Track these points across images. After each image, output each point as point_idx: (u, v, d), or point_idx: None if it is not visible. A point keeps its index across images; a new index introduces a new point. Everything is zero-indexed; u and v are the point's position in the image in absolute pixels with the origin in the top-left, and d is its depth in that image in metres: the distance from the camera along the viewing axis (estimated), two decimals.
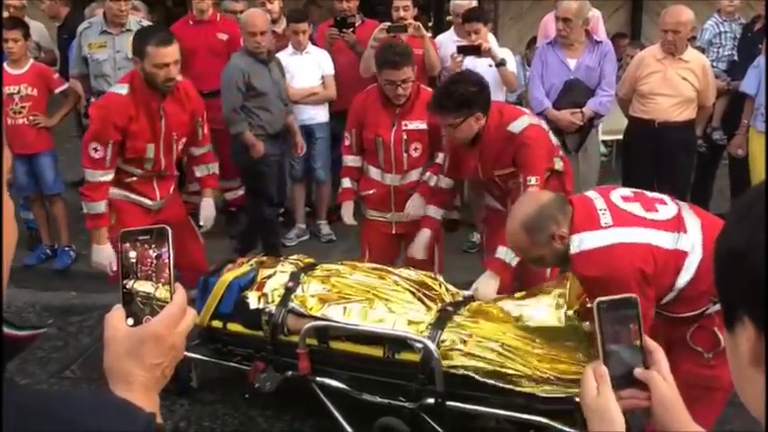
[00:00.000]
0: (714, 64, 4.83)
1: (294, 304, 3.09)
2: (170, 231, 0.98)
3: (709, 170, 5.18)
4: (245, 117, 4.53)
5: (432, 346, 2.77)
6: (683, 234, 2.25)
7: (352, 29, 5.01)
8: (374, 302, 3.00)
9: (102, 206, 3.40)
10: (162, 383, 0.93)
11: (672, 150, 4.43)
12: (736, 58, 4.94)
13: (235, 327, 3.27)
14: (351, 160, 3.81)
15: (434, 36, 5.42)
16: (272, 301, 3.16)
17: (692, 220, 2.30)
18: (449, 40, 4.97)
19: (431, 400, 2.83)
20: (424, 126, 3.60)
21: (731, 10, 5.09)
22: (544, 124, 3.47)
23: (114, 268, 3.22)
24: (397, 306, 2.99)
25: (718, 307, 2.27)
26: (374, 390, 3.01)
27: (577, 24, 4.34)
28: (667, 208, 2.34)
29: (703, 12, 5.42)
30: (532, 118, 3.38)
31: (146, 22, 4.87)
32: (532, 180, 3.18)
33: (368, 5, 5.85)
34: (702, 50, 4.89)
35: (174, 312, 0.93)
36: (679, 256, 2.24)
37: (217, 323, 3.31)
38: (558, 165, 3.41)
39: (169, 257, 0.96)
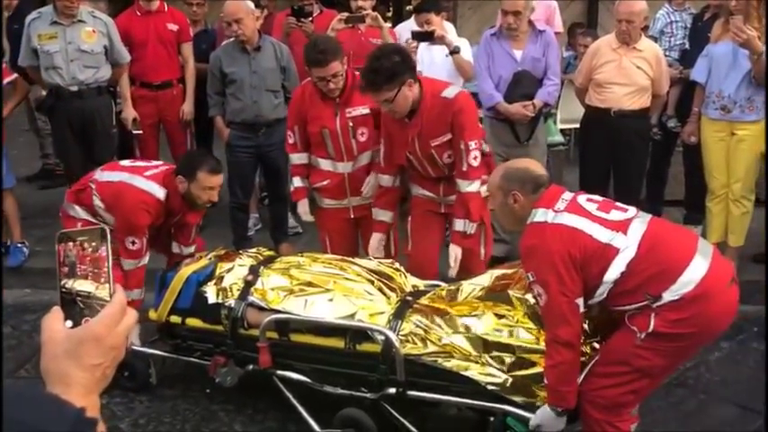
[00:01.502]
0: (666, 53, 4.91)
1: (254, 298, 3.07)
2: (108, 231, 0.96)
3: (665, 157, 5.28)
4: (218, 102, 4.53)
5: (392, 335, 2.78)
6: (620, 234, 2.44)
7: (310, 18, 4.97)
8: (334, 294, 3.00)
9: (136, 293, 3.46)
10: (102, 384, 0.91)
11: (627, 138, 4.51)
12: (687, 46, 5.04)
13: (194, 322, 3.24)
14: (297, 158, 3.79)
15: (394, 26, 5.41)
16: (232, 295, 3.14)
17: (638, 227, 2.48)
18: (408, 30, 4.96)
19: (392, 390, 2.84)
20: (367, 111, 3.60)
21: (682, 1, 5.19)
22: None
23: None
24: (357, 297, 2.99)
25: (658, 303, 2.39)
26: (336, 381, 3.01)
27: (526, 16, 4.38)
28: (622, 214, 2.53)
29: (656, 2, 5.51)
30: (460, 87, 3.49)
31: (98, 14, 4.75)
32: (472, 144, 3.25)
33: None
34: (655, 40, 4.97)
35: (113, 312, 0.92)
36: (610, 251, 2.42)
37: (175, 318, 3.28)
38: (485, 146, 3.50)
39: (108, 257, 0.94)
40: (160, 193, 3.41)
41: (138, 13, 5.10)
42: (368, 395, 2.91)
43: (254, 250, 3.54)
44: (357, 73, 3.56)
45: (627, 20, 4.36)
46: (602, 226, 2.45)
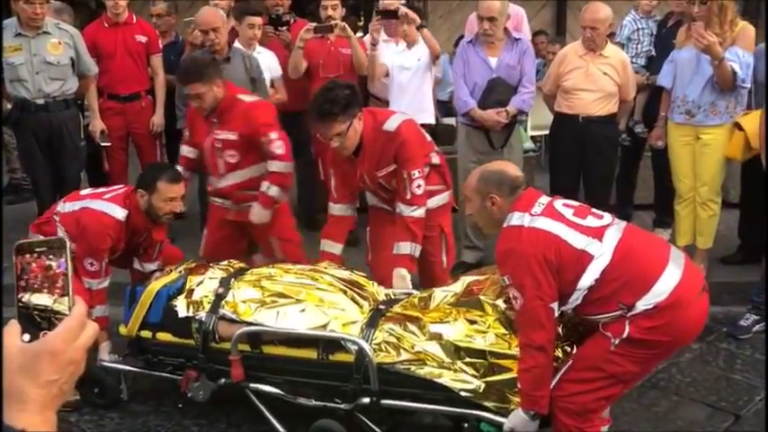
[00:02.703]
0: (633, 60, 4.99)
1: (225, 311, 3.04)
2: (68, 243, 0.94)
3: (634, 162, 5.35)
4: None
5: (365, 345, 2.77)
6: (596, 241, 2.46)
7: (287, 27, 4.97)
8: (306, 305, 2.98)
9: (99, 310, 3.42)
10: (60, 401, 0.87)
11: (596, 144, 4.56)
12: (653, 53, 5.12)
13: (164, 336, 3.21)
14: (186, 150, 3.91)
15: (365, 35, 5.43)
16: (203, 309, 3.11)
17: (613, 235, 2.49)
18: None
19: (366, 400, 2.83)
20: (234, 137, 3.63)
21: (649, 8, 5.28)
22: (416, 121, 3.54)
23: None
24: (329, 307, 2.98)
25: (631, 313, 2.42)
26: (309, 393, 2.99)
27: (501, 22, 4.42)
28: (597, 221, 2.54)
29: (623, 9, 5.60)
30: (404, 115, 3.49)
31: (64, 25, 4.69)
32: (415, 173, 3.28)
33: (298, 5, 5.80)
34: (622, 47, 5.05)
35: (71, 326, 0.89)
36: (585, 258, 2.43)
37: (146, 333, 3.24)
38: (435, 159, 3.51)
39: (67, 269, 0.92)
40: (120, 213, 3.40)
41: (106, 25, 5.05)
42: (342, 406, 2.89)
43: (225, 262, 3.50)
44: (239, 98, 3.68)
45: (591, 26, 4.42)
46: (578, 232, 2.46)
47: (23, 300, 0.90)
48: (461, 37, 5.46)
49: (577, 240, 2.45)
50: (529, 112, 5.26)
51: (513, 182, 2.61)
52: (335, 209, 3.53)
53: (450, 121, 5.57)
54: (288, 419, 3.03)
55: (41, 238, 3.38)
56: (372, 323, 2.87)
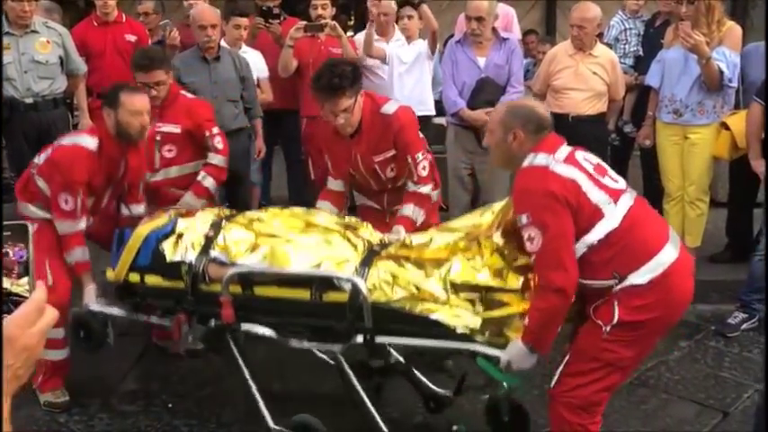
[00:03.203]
0: (621, 60, 5.01)
1: (215, 252, 2.95)
2: (30, 227, 0.95)
3: (623, 161, 5.38)
4: None
5: (360, 282, 2.68)
6: (612, 202, 2.42)
7: (278, 20, 4.97)
8: (299, 245, 2.89)
9: (80, 253, 3.28)
10: (14, 386, 0.87)
11: (585, 143, 4.46)
12: (641, 53, 5.15)
13: (153, 279, 3.11)
14: None
15: (355, 34, 5.43)
16: (193, 251, 3.01)
17: (627, 201, 2.47)
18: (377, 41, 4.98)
19: (360, 338, 2.73)
20: (177, 130, 3.64)
21: (636, 8, 5.31)
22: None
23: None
24: (322, 247, 2.88)
25: (621, 286, 2.38)
26: (301, 336, 2.89)
27: (489, 22, 4.44)
28: (614, 183, 2.50)
29: (612, 9, 5.62)
30: (400, 102, 3.52)
31: (53, 24, 4.67)
32: (419, 156, 3.27)
33: (288, 4, 5.80)
34: (610, 47, 5.07)
35: (27, 312, 0.89)
36: (597, 215, 2.39)
37: (134, 276, 3.14)
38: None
39: (28, 254, 0.93)
40: (91, 142, 3.29)
41: (96, 24, 5.03)
42: (334, 348, 2.81)
43: (216, 209, 3.42)
44: (182, 93, 3.68)
45: (579, 26, 4.44)
46: (597, 187, 2.42)
47: None
48: (450, 36, 5.47)
49: (595, 195, 2.40)
50: None
51: (541, 121, 2.53)
52: (333, 183, 3.46)
53: (441, 120, 5.58)
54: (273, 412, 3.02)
55: (32, 208, 3.37)
56: (367, 262, 2.78)
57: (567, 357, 2.53)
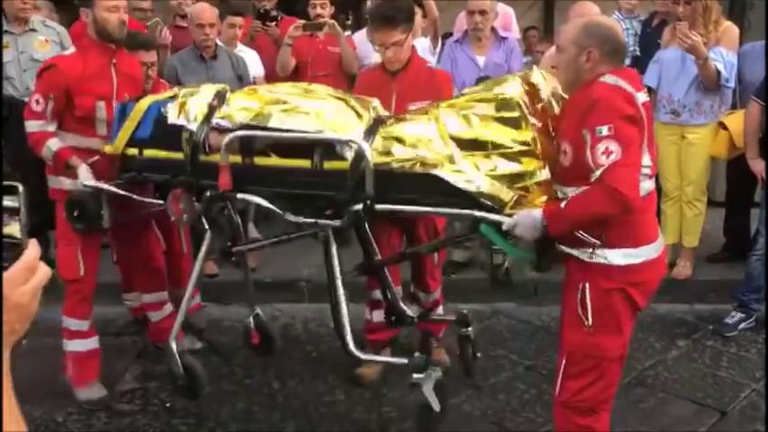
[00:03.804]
0: None
1: (218, 119, 2.88)
2: (20, 188, 1.01)
3: None
4: None
5: (364, 144, 2.59)
6: (647, 176, 2.34)
7: (275, 22, 4.97)
8: (303, 110, 2.79)
9: (54, 142, 3.23)
10: (11, 340, 0.92)
11: None
12: (638, 53, 5.15)
13: (152, 152, 3.04)
14: None
15: (353, 33, 5.42)
16: (195, 119, 2.93)
17: (652, 183, 2.42)
18: (366, 38, 4.98)
19: (359, 206, 2.62)
20: None
21: (629, 7, 5.31)
22: None
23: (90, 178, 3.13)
24: (328, 114, 2.77)
25: (597, 258, 2.30)
26: (298, 210, 2.82)
27: (491, 17, 4.46)
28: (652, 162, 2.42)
29: (609, 9, 5.62)
30: None
31: (50, 22, 4.67)
32: None
33: (286, 4, 5.80)
34: None
35: (18, 271, 0.93)
36: (638, 167, 2.28)
37: (132, 150, 3.08)
38: None
39: (20, 212, 0.99)
40: (67, 51, 3.41)
41: None
42: (332, 222, 2.72)
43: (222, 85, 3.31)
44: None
45: None
46: (648, 149, 2.34)
47: None
48: (447, 34, 5.47)
49: (645, 157, 2.32)
50: None
51: (617, 44, 2.36)
52: None
53: None
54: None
55: (61, 179, 3.33)
56: (372, 130, 2.69)
57: (562, 361, 2.46)
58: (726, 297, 4.36)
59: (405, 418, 3.26)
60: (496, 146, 2.48)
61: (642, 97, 2.33)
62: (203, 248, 3.08)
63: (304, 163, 2.74)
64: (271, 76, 4.89)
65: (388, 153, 2.60)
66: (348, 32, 5.55)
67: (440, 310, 3.70)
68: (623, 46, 2.41)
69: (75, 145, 3.27)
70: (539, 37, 6.71)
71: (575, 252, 2.35)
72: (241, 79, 4.52)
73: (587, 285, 2.34)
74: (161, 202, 3.06)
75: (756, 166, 4.10)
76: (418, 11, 4.87)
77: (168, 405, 3.37)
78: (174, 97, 3.09)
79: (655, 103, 4.58)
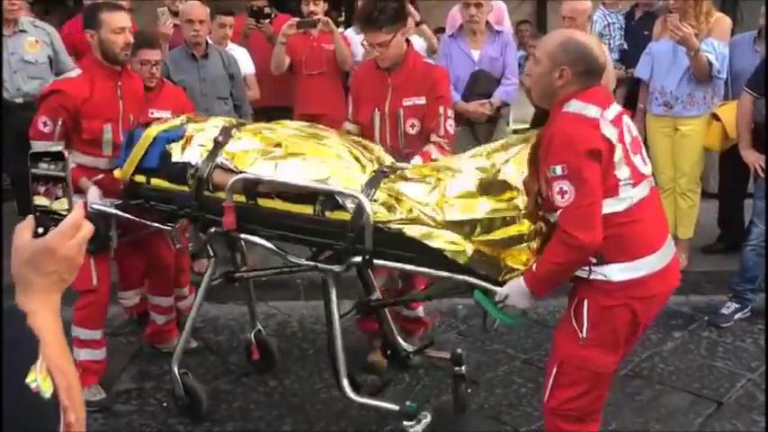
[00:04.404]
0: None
1: (222, 158, 2.91)
2: (67, 153, 1.11)
3: None
4: None
5: (365, 200, 2.60)
6: (630, 185, 2.24)
7: (269, 20, 4.96)
8: (307, 157, 2.81)
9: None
10: (61, 286, 1.06)
11: None
12: (626, 47, 5.13)
13: (159, 182, 3.08)
14: None
15: (344, 30, 5.41)
16: (200, 156, 2.97)
17: (644, 189, 2.31)
18: (357, 35, 4.97)
19: (358, 258, 2.66)
20: (168, 115, 3.59)
21: (612, 1, 5.31)
22: None
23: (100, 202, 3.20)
24: (331, 162, 2.79)
25: (595, 275, 2.25)
26: (301, 252, 2.88)
27: (486, 9, 4.44)
28: (642, 166, 2.33)
29: (594, 4, 5.62)
30: None
31: (40, 23, 4.66)
32: (450, 112, 3.34)
33: (279, 1, 5.78)
34: None
35: (66, 227, 1.07)
36: (613, 190, 2.22)
37: (140, 178, 3.12)
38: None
39: (67, 177, 1.10)
40: (73, 73, 3.39)
41: None
42: (334, 267, 2.76)
43: (227, 117, 3.41)
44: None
45: (570, 17, 4.44)
46: (626, 163, 2.25)
47: (35, 202, 1.09)
48: (439, 29, 5.46)
49: (621, 171, 2.23)
50: (511, 106, 5.28)
51: (592, 64, 2.28)
52: (349, 126, 3.48)
53: None
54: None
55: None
56: (374, 183, 2.70)
57: (553, 369, 2.39)
58: (721, 288, 4.38)
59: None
60: (490, 218, 2.43)
61: (611, 113, 2.25)
62: (207, 274, 3.15)
63: (307, 209, 2.77)
64: (265, 75, 4.88)
65: (390, 208, 2.60)
66: (341, 29, 5.55)
67: (419, 311, 3.71)
68: (599, 66, 2.31)
69: (82, 163, 3.31)
70: (531, 31, 6.71)
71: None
72: (232, 77, 4.51)
73: (586, 302, 2.30)
74: (168, 228, 3.11)
75: (749, 156, 4.11)
76: (414, 16, 4.82)
77: (165, 405, 3.36)
78: (181, 127, 3.13)
79: (647, 96, 4.60)
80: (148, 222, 3.20)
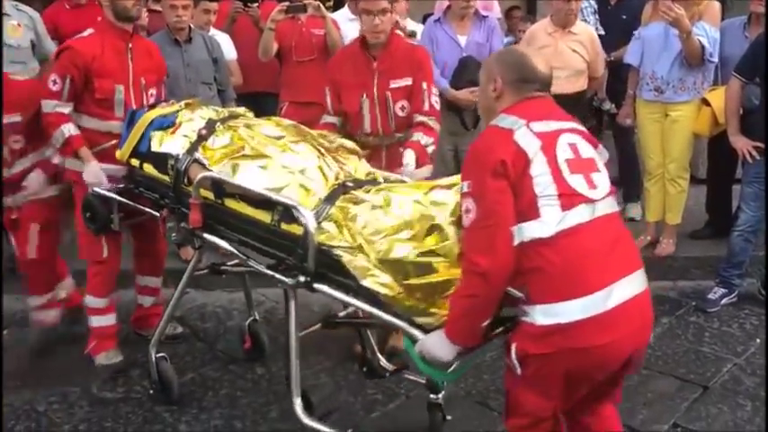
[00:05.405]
0: None
1: (199, 154, 2.90)
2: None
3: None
4: None
5: (310, 220, 2.45)
6: (557, 206, 1.94)
7: (256, 3, 4.90)
8: (269, 162, 2.72)
9: (69, 128, 3.33)
10: None
11: None
12: (602, 32, 5.06)
13: (148, 168, 3.12)
14: None
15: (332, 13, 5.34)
16: (182, 147, 2.97)
17: (585, 213, 1.97)
18: (344, 18, 4.92)
19: (302, 279, 2.53)
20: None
21: None
22: None
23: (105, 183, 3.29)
24: (293, 170, 2.69)
25: (524, 316, 1.98)
26: (261, 259, 2.81)
27: None
28: (585, 188, 1.99)
29: None
30: None
31: (23, 7, 4.56)
32: (434, 89, 3.40)
33: None
34: None
35: None
36: (532, 210, 1.94)
37: (135, 161, 3.18)
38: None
39: None
40: (85, 32, 3.42)
41: (68, 6, 4.91)
42: (286, 280, 2.63)
43: (220, 109, 3.41)
44: None
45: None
46: (553, 179, 1.95)
47: None
48: (427, 15, 5.41)
49: (542, 187, 1.94)
50: None
51: (526, 72, 2.10)
52: (329, 118, 3.47)
53: None
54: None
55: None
56: (331, 199, 2.57)
57: (506, 399, 2.16)
58: (709, 273, 4.40)
59: (389, 400, 3.26)
60: (423, 254, 2.23)
61: (543, 126, 2.00)
62: (191, 263, 3.16)
63: (265, 217, 2.68)
64: (252, 60, 4.82)
65: (341, 229, 2.44)
66: (329, 14, 5.48)
67: None
68: (536, 75, 2.10)
69: (94, 128, 3.38)
70: (521, 16, 6.67)
71: (503, 311, 2.08)
72: (216, 62, 4.46)
73: (513, 345, 2.01)
74: (156, 215, 3.15)
75: (737, 142, 4.10)
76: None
77: (151, 392, 3.34)
78: (172, 122, 3.12)
79: (637, 82, 4.58)
80: (142, 208, 3.24)
